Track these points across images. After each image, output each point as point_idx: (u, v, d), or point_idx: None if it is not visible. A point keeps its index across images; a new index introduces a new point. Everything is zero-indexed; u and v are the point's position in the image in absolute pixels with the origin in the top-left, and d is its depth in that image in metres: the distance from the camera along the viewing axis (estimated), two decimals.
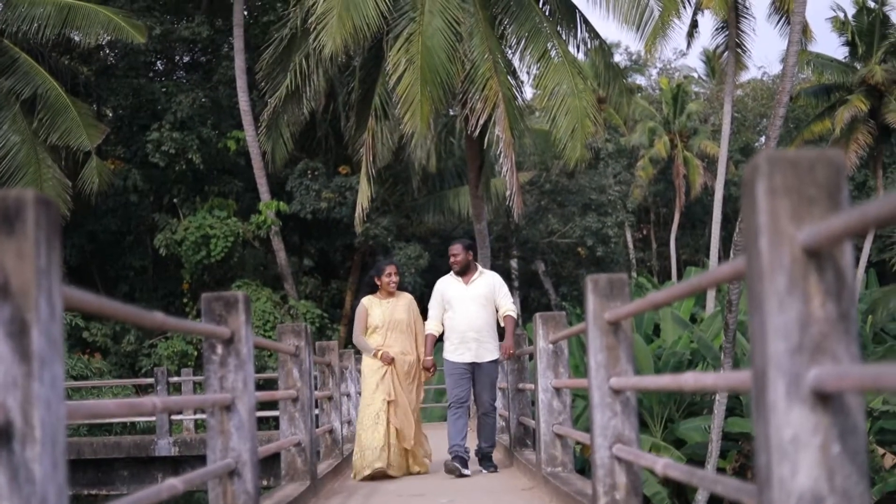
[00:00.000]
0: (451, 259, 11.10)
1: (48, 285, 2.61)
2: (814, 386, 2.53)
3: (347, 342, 29.42)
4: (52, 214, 2.63)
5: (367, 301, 11.36)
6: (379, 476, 10.67)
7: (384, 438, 10.79)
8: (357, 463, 10.86)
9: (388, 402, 10.95)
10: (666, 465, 4.29)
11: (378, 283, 11.33)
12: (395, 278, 11.36)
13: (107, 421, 23.11)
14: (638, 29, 24.48)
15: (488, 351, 10.96)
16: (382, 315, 11.19)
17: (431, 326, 11.15)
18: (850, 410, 2.55)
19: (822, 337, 2.56)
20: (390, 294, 11.35)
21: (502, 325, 11.05)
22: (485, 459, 11.12)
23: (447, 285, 11.13)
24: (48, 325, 2.60)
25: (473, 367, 10.93)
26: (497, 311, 11.05)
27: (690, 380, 3.89)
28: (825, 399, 2.54)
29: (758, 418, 2.65)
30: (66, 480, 2.65)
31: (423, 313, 11.46)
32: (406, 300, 11.47)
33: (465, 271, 11.03)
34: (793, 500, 2.55)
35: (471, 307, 10.89)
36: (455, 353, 10.97)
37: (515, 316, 11.17)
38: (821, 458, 2.54)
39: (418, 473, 11.14)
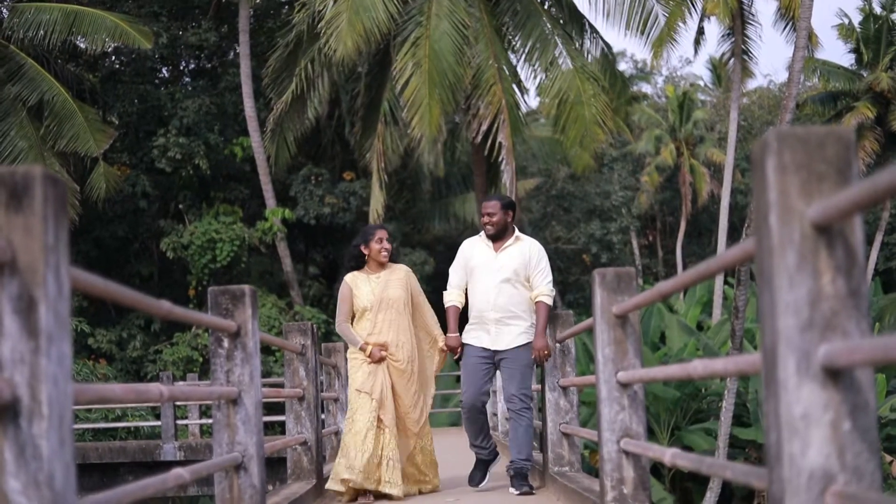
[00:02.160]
0: (485, 219, 8.85)
1: (56, 262, 2.60)
2: (824, 362, 2.52)
3: None
4: (59, 191, 2.63)
5: (350, 279, 9.04)
6: (357, 495, 8.56)
7: (377, 449, 8.56)
8: (337, 469, 8.54)
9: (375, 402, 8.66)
10: (674, 454, 4.28)
11: (366, 252, 9.03)
12: (387, 245, 9.03)
13: (112, 426, 23.11)
14: (643, 34, 24.52)
15: (514, 335, 8.70)
16: (371, 293, 8.92)
17: (453, 297, 8.93)
18: (860, 387, 2.54)
19: (833, 313, 2.55)
20: (381, 266, 9.05)
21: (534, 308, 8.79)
22: (518, 477, 8.71)
23: (473, 249, 8.97)
24: (56, 301, 2.59)
25: (494, 356, 8.75)
26: (531, 291, 8.78)
27: (699, 367, 3.88)
28: (836, 375, 2.53)
29: (768, 396, 2.65)
30: (73, 457, 2.64)
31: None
32: (401, 273, 9.12)
33: (499, 235, 8.85)
34: (803, 478, 2.54)
35: (494, 280, 8.71)
36: (470, 334, 8.88)
37: (551, 302, 8.76)
38: (831, 434, 2.53)
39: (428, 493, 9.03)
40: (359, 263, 9.07)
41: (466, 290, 8.97)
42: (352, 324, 9.01)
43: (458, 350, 8.88)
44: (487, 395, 8.96)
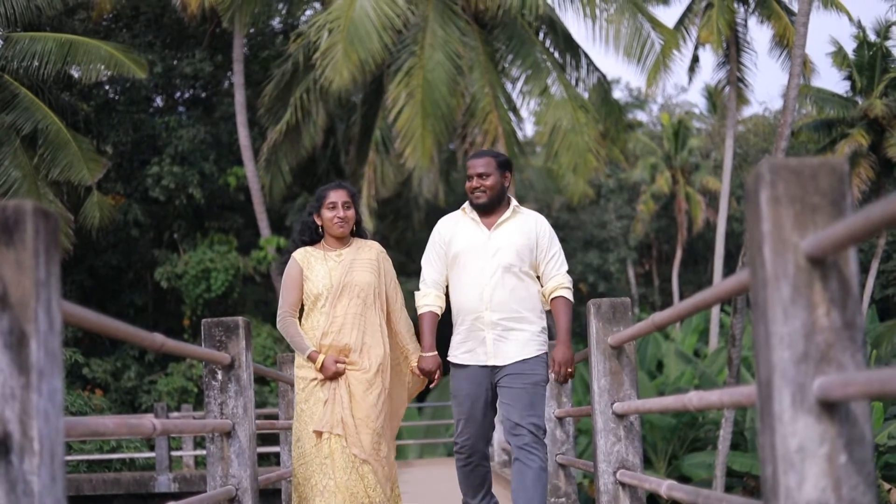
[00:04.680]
0: (474, 182, 6.55)
1: (47, 297, 2.59)
2: (819, 395, 2.51)
3: None
4: (51, 225, 2.62)
5: (301, 256, 6.68)
6: None
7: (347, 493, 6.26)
8: None
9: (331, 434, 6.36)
10: (670, 486, 4.26)
11: (317, 221, 6.72)
12: (343, 212, 6.62)
13: (106, 457, 23.03)
14: (639, 61, 24.59)
15: (520, 344, 6.41)
16: (328, 276, 6.55)
17: (430, 299, 6.58)
18: (856, 420, 2.53)
19: (828, 346, 2.54)
20: (340, 241, 6.71)
21: (547, 307, 6.60)
22: None
23: (455, 228, 6.63)
24: (47, 337, 2.58)
25: (494, 375, 6.44)
26: (542, 285, 6.56)
27: (695, 398, 3.87)
28: (831, 408, 2.52)
29: (763, 429, 2.63)
30: (64, 494, 2.62)
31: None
32: (371, 253, 6.73)
33: (491, 206, 6.54)
34: None
35: (490, 269, 6.42)
36: (460, 349, 6.51)
37: (571, 297, 6.54)
38: (827, 468, 2.51)
39: None
40: (313, 237, 6.79)
41: (447, 288, 6.67)
42: (300, 320, 6.69)
43: (436, 376, 6.53)
44: (488, 433, 6.59)
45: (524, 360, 6.39)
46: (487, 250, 6.44)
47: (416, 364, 6.63)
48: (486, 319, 6.38)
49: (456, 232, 6.57)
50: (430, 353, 6.48)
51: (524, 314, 6.43)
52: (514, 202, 6.60)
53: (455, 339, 6.53)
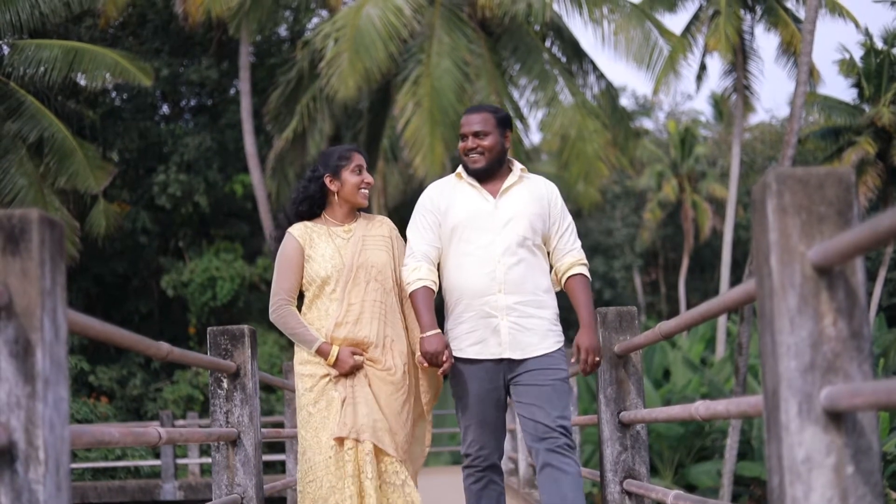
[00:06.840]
0: (469, 142, 5.41)
1: (53, 306, 2.59)
2: (826, 405, 2.50)
3: None
4: (57, 234, 2.61)
5: (300, 231, 5.50)
6: None
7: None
8: None
9: (355, 443, 5.27)
10: (677, 496, 4.25)
11: (333, 187, 5.53)
12: (368, 177, 5.55)
13: (111, 465, 23.03)
14: (648, 68, 24.60)
15: (540, 333, 5.37)
16: (337, 254, 5.43)
17: (422, 272, 5.32)
18: (863, 430, 2.52)
19: (835, 356, 2.53)
20: (351, 214, 5.60)
21: (558, 288, 5.59)
22: None
23: (452, 195, 5.46)
24: (52, 345, 2.57)
25: (508, 371, 5.34)
26: (553, 262, 5.55)
27: (701, 408, 3.86)
28: (838, 418, 2.51)
29: (770, 439, 2.62)
30: (69, 503, 2.62)
31: None
32: (384, 228, 5.62)
33: (491, 171, 5.43)
34: None
35: (501, 243, 5.32)
36: (466, 340, 5.36)
37: (589, 275, 5.58)
38: (834, 478, 2.51)
39: None
40: (313, 208, 5.59)
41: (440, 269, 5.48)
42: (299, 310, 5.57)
43: (445, 358, 5.20)
44: (500, 440, 5.50)
45: (547, 354, 5.37)
46: (496, 221, 5.34)
47: (419, 354, 5.32)
48: (499, 304, 5.28)
49: (453, 199, 5.41)
50: (433, 332, 5.19)
51: (541, 297, 5.39)
52: (518, 165, 5.54)
53: (457, 330, 5.39)
